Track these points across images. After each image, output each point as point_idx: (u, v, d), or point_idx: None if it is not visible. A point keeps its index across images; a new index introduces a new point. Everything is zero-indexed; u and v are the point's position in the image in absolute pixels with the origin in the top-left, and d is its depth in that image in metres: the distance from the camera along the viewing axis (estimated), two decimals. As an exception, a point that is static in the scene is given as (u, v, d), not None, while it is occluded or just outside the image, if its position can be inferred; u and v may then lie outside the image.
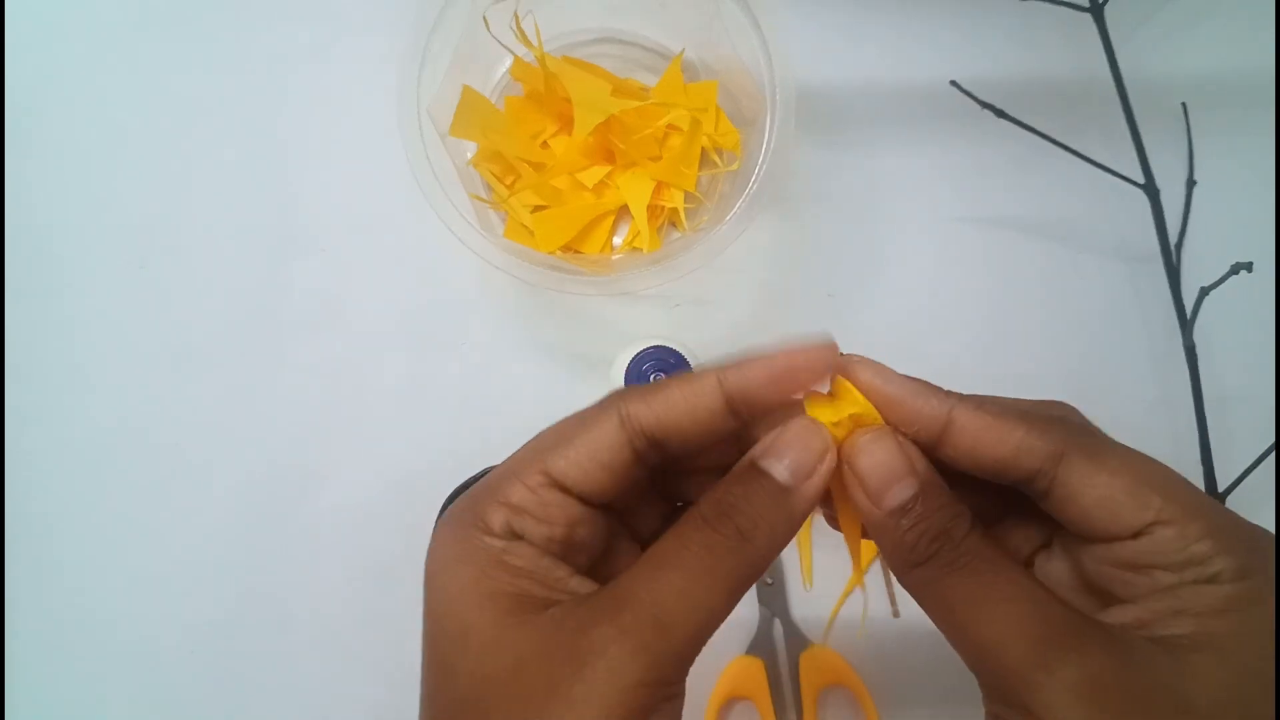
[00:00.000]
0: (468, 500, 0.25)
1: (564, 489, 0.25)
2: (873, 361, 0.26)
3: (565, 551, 0.25)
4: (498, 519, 0.25)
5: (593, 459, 0.25)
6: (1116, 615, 0.24)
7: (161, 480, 0.51)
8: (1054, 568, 0.27)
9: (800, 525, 0.26)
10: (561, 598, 0.24)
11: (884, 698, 0.50)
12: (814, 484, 0.25)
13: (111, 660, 0.51)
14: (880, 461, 0.25)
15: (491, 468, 0.46)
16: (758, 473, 0.25)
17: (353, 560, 0.51)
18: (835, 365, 0.26)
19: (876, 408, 0.26)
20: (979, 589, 0.24)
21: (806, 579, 0.51)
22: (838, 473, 0.26)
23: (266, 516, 0.51)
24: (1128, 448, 0.26)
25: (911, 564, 0.25)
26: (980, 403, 0.26)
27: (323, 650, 0.51)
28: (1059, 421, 0.26)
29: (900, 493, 0.25)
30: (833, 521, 0.28)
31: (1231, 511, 0.25)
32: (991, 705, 0.24)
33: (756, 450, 0.25)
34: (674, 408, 0.25)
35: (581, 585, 0.25)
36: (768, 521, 0.25)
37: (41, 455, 0.52)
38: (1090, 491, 0.24)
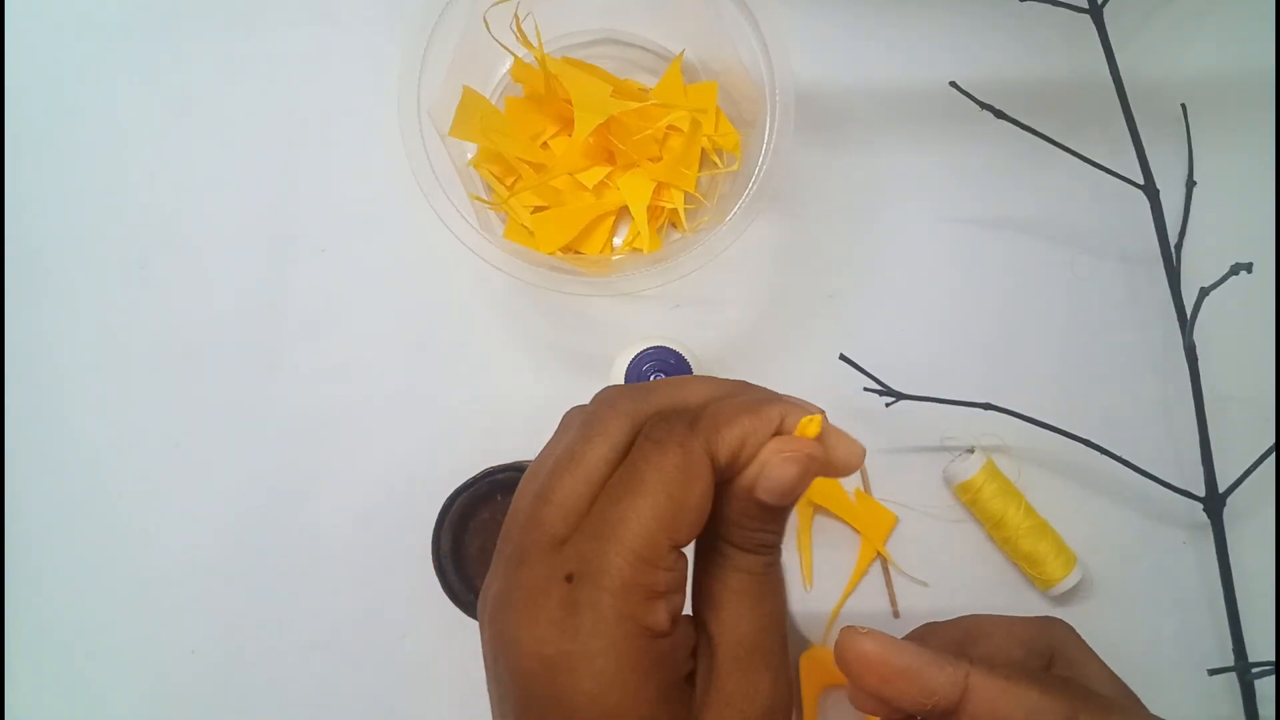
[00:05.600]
0: (610, 606, 0.24)
1: (682, 549, 0.25)
2: (875, 633, 0.26)
3: None
4: (662, 614, 0.24)
5: (704, 512, 0.25)
6: None
7: (161, 481, 0.51)
8: None
9: None
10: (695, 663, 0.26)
11: (884, 698, 0.50)
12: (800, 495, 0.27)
13: (111, 661, 0.51)
14: None
15: (493, 469, 0.46)
16: (766, 507, 0.26)
17: (353, 561, 0.51)
18: (838, 645, 0.26)
19: (888, 681, 0.26)
20: None
21: (806, 579, 0.51)
22: None
23: (267, 517, 0.51)
24: (1130, 698, 0.27)
25: None
26: (991, 664, 0.26)
27: (323, 651, 0.51)
28: (1066, 681, 0.27)
29: None
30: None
31: None
32: None
33: (761, 490, 0.26)
34: (748, 443, 0.26)
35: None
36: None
37: (41, 455, 0.52)
38: None
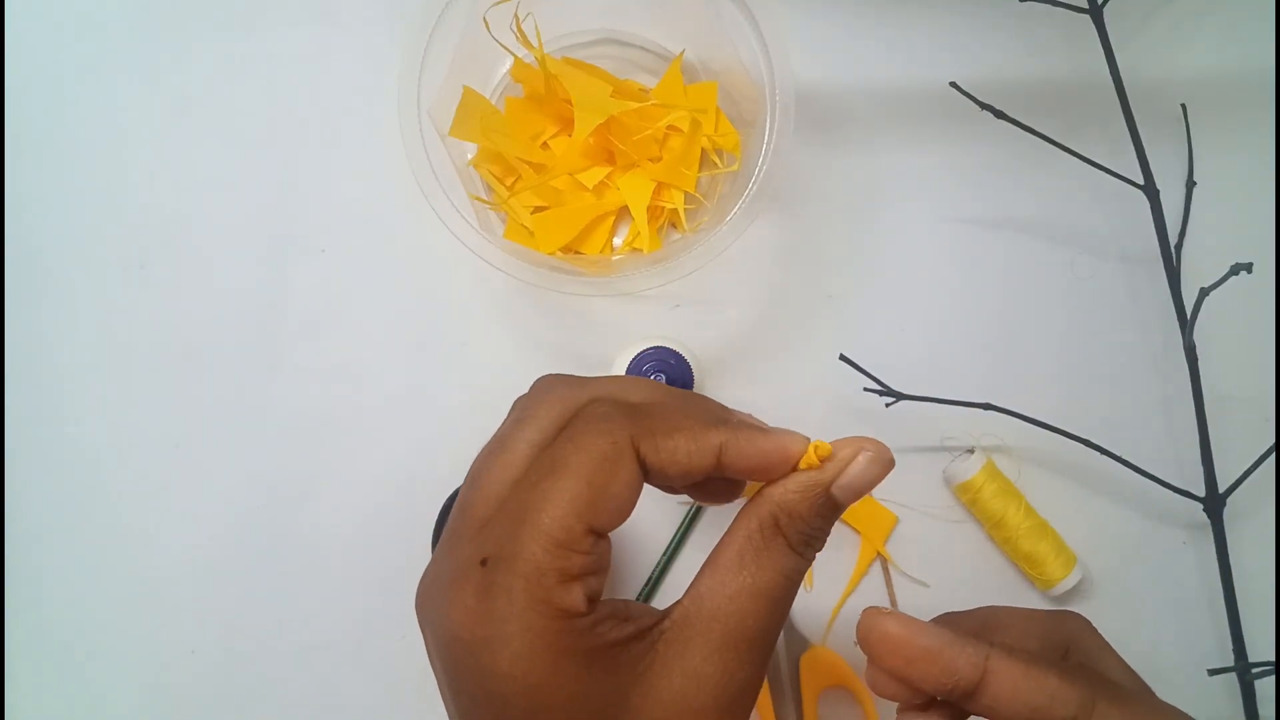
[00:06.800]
0: (522, 590, 0.24)
1: (602, 535, 0.25)
2: (898, 614, 0.27)
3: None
4: (578, 595, 0.24)
5: (627, 503, 0.25)
6: None
7: (161, 482, 0.51)
8: None
9: None
10: (630, 628, 0.25)
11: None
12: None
13: (111, 661, 0.51)
14: None
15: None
16: (835, 505, 0.27)
17: (353, 561, 0.51)
18: (861, 624, 0.27)
19: (911, 662, 0.26)
20: None
21: (806, 579, 0.51)
22: None
23: (267, 517, 0.51)
24: (1144, 688, 0.28)
25: None
26: (1011, 648, 0.26)
27: (323, 651, 0.51)
28: (1084, 669, 0.27)
29: None
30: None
31: None
32: None
33: (838, 486, 0.27)
34: (678, 461, 0.26)
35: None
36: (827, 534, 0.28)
37: (41, 455, 0.52)
38: None
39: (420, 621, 0.26)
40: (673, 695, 0.25)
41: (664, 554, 0.51)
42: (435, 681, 0.51)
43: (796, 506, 0.26)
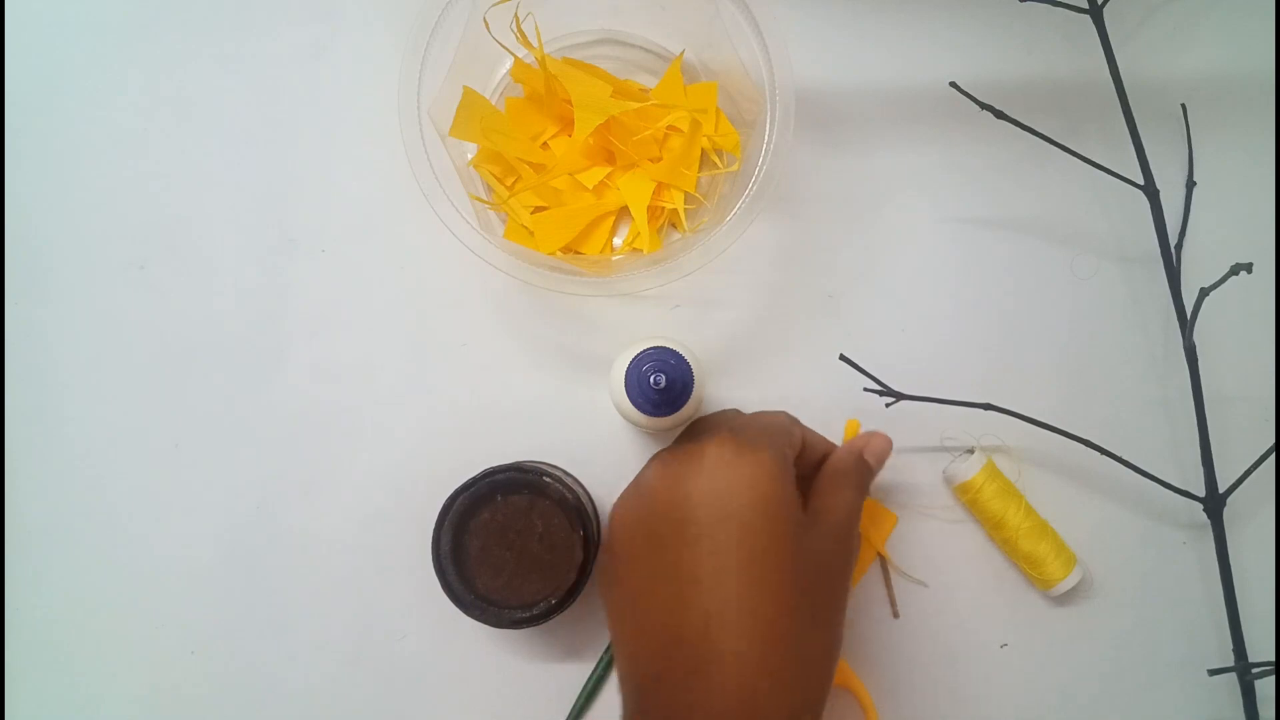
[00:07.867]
0: (768, 442, 0.41)
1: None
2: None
3: None
4: (791, 463, 0.42)
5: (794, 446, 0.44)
6: None
7: (161, 482, 0.51)
8: None
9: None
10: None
11: (884, 698, 0.50)
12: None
13: (111, 662, 0.51)
14: None
15: (493, 469, 0.46)
16: (867, 466, 0.45)
17: (353, 561, 0.51)
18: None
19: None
20: None
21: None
22: None
23: (267, 517, 0.51)
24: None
25: None
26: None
27: (323, 652, 0.51)
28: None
29: None
30: None
31: None
32: None
33: (868, 452, 0.46)
34: (808, 455, 0.45)
35: None
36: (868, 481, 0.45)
37: (41, 455, 0.52)
38: None
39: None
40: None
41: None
42: (439, 684, 0.51)
43: (844, 462, 0.44)
